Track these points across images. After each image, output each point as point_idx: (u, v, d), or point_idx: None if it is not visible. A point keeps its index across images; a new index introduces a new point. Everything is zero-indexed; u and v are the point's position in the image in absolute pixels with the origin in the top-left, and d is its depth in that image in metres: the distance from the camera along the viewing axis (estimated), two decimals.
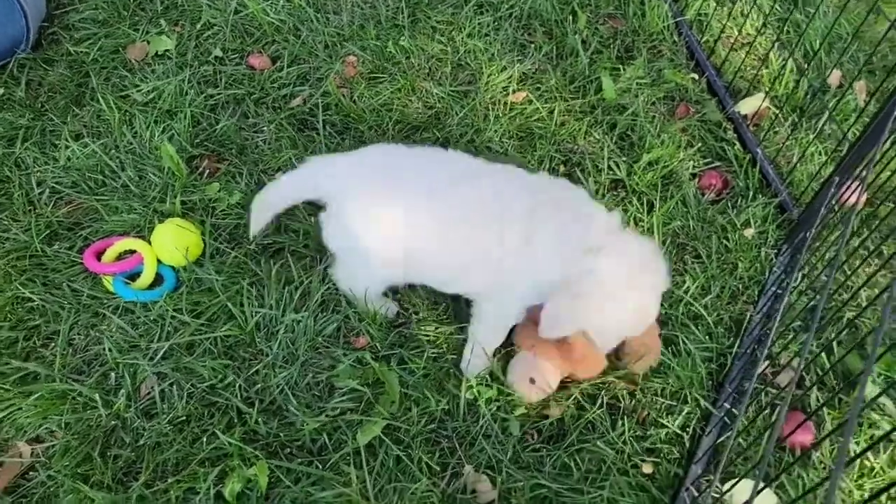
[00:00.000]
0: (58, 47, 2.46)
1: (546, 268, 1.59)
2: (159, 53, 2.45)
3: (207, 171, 2.17)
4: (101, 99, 2.27)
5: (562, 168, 2.24)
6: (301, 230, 2.03)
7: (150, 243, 1.95)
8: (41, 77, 2.38)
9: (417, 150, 1.81)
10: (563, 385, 1.80)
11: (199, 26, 2.52)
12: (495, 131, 2.29)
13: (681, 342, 1.88)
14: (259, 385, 1.78)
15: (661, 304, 1.77)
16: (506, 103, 2.38)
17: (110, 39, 2.47)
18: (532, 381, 1.75)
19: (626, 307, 1.58)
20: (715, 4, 2.71)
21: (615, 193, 2.20)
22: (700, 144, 2.34)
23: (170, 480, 1.65)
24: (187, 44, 2.48)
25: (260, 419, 1.72)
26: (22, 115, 2.27)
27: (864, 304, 2.01)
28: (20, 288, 1.89)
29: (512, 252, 1.61)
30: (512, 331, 1.81)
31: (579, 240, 1.58)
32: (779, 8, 2.79)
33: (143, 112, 2.27)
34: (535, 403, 1.79)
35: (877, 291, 1.98)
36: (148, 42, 2.47)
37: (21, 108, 2.29)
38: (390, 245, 1.71)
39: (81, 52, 2.42)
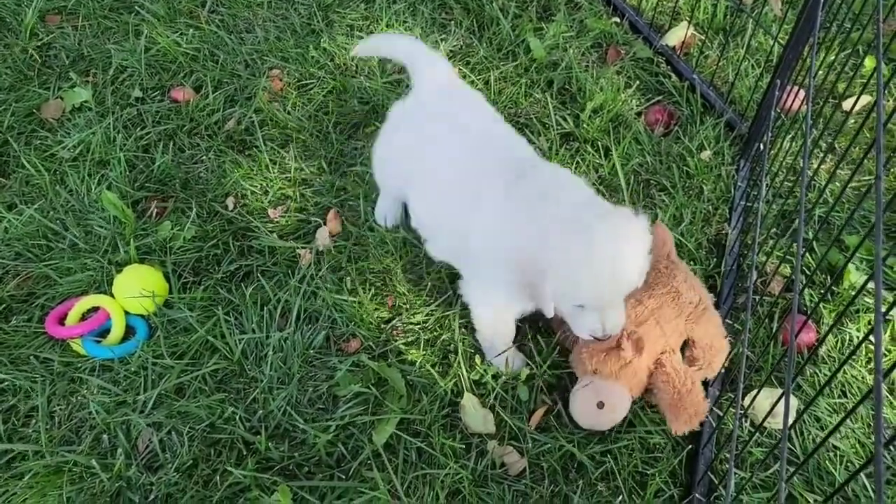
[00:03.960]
0: None
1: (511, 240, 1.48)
2: (76, 107, 2.34)
3: (155, 211, 2.08)
4: (26, 163, 2.15)
5: None
6: (266, 248, 1.96)
7: (112, 296, 1.86)
8: None
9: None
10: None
11: (111, 72, 2.43)
12: None
13: None
14: (260, 412, 1.71)
15: None
16: None
17: (21, 103, 2.35)
18: (601, 405, 1.62)
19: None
20: None
21: (569, 146, 2.19)
22: (638, 83, 2.35)
23: None
24: (103, 91, 2.38)
25: (270, 445, 1.65)
26: None
27: (829, 200, 2.05)
28: None
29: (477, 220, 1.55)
30: (566, 356, 1.75)
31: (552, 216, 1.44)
32: None
33: (73, 167, 2.17)
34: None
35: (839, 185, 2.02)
36: (62, 98, 2.36)
37: None
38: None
39: None
